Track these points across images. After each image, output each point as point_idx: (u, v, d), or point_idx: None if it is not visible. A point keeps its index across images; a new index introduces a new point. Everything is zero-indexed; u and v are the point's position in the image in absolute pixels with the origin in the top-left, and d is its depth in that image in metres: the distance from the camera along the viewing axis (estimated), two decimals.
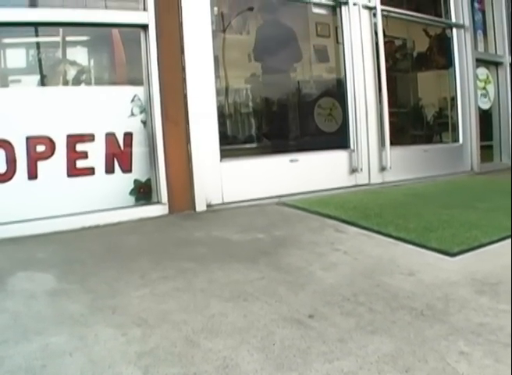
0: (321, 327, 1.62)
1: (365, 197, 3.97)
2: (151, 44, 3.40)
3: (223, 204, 3.68)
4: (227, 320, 1.69)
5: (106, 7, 3.74)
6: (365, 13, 4.55)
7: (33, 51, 4.01)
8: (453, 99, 5.67)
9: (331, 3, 4.55)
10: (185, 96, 3.51)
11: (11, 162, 3.05)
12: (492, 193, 4.14)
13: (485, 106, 5.87)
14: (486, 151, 5.79)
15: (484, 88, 5.82)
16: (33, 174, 3.12)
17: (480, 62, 5.70)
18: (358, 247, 2.59)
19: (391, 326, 1.61)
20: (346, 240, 2.74)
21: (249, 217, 3.37)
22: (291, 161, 4.08)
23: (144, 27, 3.42)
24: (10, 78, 4.10)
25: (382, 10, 4.63)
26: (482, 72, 5.81)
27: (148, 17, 3.41)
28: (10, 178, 3.06)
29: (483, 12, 5.96)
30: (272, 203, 3.76)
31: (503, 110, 5.97)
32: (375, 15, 4.58)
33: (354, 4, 4.43)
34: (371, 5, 4.55)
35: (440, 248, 2.50)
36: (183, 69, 3.52)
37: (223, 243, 2.73)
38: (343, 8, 4.44)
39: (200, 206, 3.54)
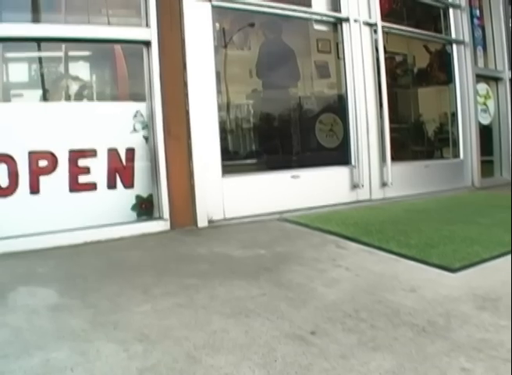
0: (323, 344, 1.62)
1: (366, 213, 3.97)
2: (153, 60, 3.42)
3: (225, 220, 3.68)
4: (229, 337, 1.69)
5: (109, 23, 3.77)
6: (366, 30, 4.58)
7: (35, 66, 4.04)
8: (454, 115, 5.68)
9: (332, 20, 4.58)
10: (187, 112, 3.53)
11: (13, 176, 3.06)
12: (493, 208, 4.14)
13: (486, 121, 5.88)
14: (487, 166, 5.79)
15: (484, 104, 5.84)
16: (35, 189, 3.14)
17: (480, 77, 5.72)
18: (360, 263, 2.59)
19: (393, 343, 1.61)
20: (347, 256, 2.74)
21: (250, 233, 3.37)
22: (292, 177, 4.09)
23: (147, 43, 3.45)
24: (12, 92, 4.12)
25: (383, 27, 4.65)
26: (482, 87, 5.83)
27: (151, 33, 3.43)
28: (12, 192, 3.07)
29: (483, 28, 5.99)
30: (273, 219, 3.76)
31: (504, 125, 5.98)
32: (375, 31, 4.61)
33: (355, 20, 4.47)
34: (372, 21, 4.58)
35: (441, 263, 2.50)
36: (185, 85, 3.54)
37: (225, 259, 2.73)
38: (344, 24, 4.48)
39: (202, 222, 3.55)
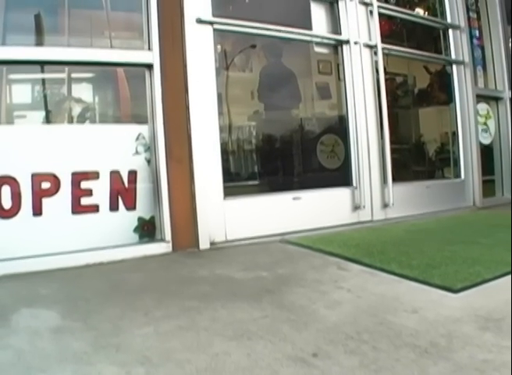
0: (325, 366, 1.61)
1: (368, 234, 3.97)
2: (155, 83, 3.46)
3: (226, 242, 3.69)
4: (231, 359, 1.68)
5: (111, 46, 3.81)
6: (366, 51, 4.62)
7: (38, 87, 4.06)
8: (455, 134, 5.69)
9: (333, 42, 4.62)
10: (189, 135, 3.56)
11: (16, 198, 3.08)
12: (495, 228, 4.13)
13: (486, 141, 5.88)
14: (488, 186, 5.79)
15: (485, 123, 5.84)
16: (37, 211, 3.15)
17: (480, 97, 5.74)
18: (361, 284, 2.59)
19: (395, 365, 1.61)
20: (349, 277, 2.74)
21: (252, 255, 3.37)
22: (294, 199, 4.10)
23: (149, 66, 3.48)
24: (15, 113, 4.14)
25: (383, 48, 4.69)
26: (483, 107, 5.84)
27: (153, 57, 3.47)
28: (15, 214, 3.08)
29: (482, 48, 6.02)
30: (275, 241, 3.76)
31: (504, 144, 5.98)
32: (375, 53, 4.64)
33: (355, 42, 4.51)
34: (372, 43, 4.62)
35: (443, 284, 2.50)
36: (187, 108, 3.57)
37: (227, 281, 2.73)
38: (345, 46, 4.51)
39: (204, 244, 3.56)
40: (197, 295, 2.44)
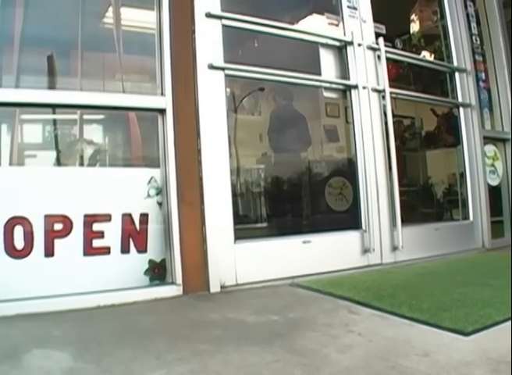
0: None
1: (378, 277, 3.96)
2: (168, 127, 3.51)
3: (237, 285, 3.68)
4: None
5: (123, 89, 3.87)
6: (374, 95, 4.67)
7: (49, 128, 4.12)
8: (462, 176, 5.70)
9: (341, 87, 4.68)
10: (200, 178, 3.61)
11: (29, 238, 3.11)
12: (505, 269, 4.11)
13: (494, 183, 5.87)
14: (497, 227, 5.77)
15: (492, 165, 5.85)
16: (49, 251, 3.17)
17: (487, 139, 5.77)
18: (372, 328, 2.59)
19: None
20: (360, 321, 2.73)
21: (263, 299, 3.36)
22: (304, 242, 4.10)
23: (162, 111, 3.54)
24: (26, 153, 4.19)
25: (391, 93, 4.75)
26: (490, 149, 5.85)
27: (166, 102, 3.53)
28: (27, 254, 3.11)
29: (488, 91, 6.06)
30: (285, 284, 3.75)
31: None
32: (383, 97, 4.70)
33: (364, 87, 4.57)
34: (380, 88, 4.68)
35: (454, 327, 2.49)
36: (199, 151, 3.62)
37: (238, 325, 2.72)
38: (353, 91, 4.57)
39: (215, 287, 3.56)
40: (209, 339, 2.44)
